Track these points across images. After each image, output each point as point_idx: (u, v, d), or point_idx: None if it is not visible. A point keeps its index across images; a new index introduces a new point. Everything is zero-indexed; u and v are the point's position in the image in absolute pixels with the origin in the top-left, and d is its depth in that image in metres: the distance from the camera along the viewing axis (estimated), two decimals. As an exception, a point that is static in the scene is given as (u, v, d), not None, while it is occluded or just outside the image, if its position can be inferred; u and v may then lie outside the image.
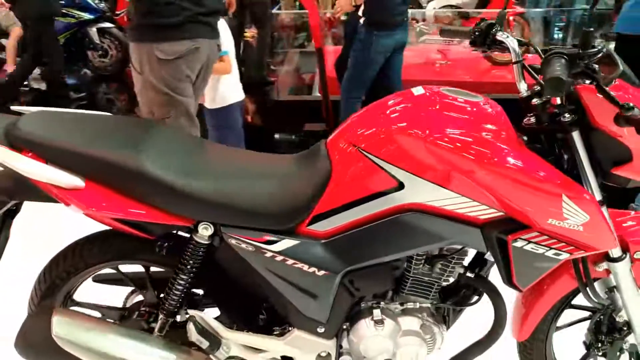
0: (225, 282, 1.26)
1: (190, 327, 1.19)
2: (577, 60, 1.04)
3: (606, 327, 1.38)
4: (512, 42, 1.24)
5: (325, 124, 4.23)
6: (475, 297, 1.34)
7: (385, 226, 1.14)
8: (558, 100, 1.09)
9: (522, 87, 1.24)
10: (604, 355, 1.41)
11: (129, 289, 1.39)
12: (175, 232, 1.22)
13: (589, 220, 1.10)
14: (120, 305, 1.42)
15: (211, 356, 1.23)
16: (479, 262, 1.30)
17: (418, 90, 1.18)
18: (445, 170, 1.08)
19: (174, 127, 1.77)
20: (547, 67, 1.00)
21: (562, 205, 1.08)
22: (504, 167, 1.07)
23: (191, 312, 1.21)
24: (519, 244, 1.13)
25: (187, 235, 1.21)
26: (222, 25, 2.69)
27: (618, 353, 1.40)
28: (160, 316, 1.26)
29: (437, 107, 1.13)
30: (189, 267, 1.20)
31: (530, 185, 1.08)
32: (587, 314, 1.46)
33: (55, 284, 1.30)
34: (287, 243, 1.15)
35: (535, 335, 1.41)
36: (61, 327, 1.16)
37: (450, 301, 1.33)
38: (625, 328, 1.36)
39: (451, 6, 5.85)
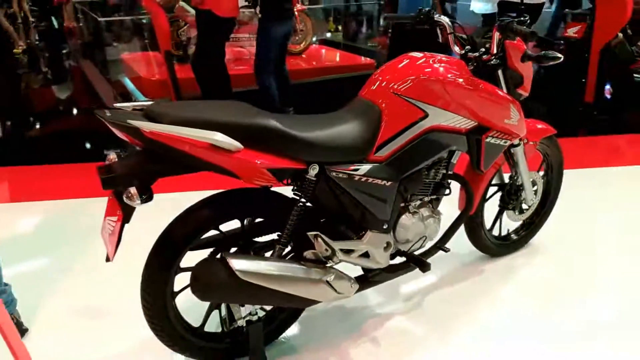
0: (319, 209, 1.68)
1: (319, 241, 1.57)
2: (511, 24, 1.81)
3: (513, 191, 2.27)
4: (445, 19, 1.97)
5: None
6: (447, 191, 2.03)
7: (419, 144, 1.74)
8: (495, 51, 1.86)
9: (456, 49, 1.99)
10: (513, 209, 2.30)
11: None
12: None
13: (519, 117, 1.92)
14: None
15: (329, 264, 1.65)
16: (448, 165, 2.01)
17: (418, 54, 1.80)
18: (450, 98, 1.73)
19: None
20: (518, 26, 1.75)
21: (510, 110, 1.87)
22: (481, 91, 1.79)
23: (313, 232, 1.59)
24: (488, 139, 1.88)
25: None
26: None
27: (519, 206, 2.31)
28: (278, 246, 1.60)
29: (434, 62, 1.77)
30: (303, 201, 1.58)
31: (495, 100, 1.83)
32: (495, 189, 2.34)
33: (177, 248, 1.51)
34: (366, 167, 1.64)
35: (477, 208, 2.21)
36: (240, 264, 1.42)
37: (436, 194, 2.00)
38: (521, 188, 2.26)
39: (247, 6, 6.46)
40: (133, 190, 1.31)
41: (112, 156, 1.43)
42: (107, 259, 1.47)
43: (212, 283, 1.44)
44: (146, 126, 1.28)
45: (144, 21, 6.04)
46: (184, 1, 5.79)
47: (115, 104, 1.44)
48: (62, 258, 2.46)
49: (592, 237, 2.62)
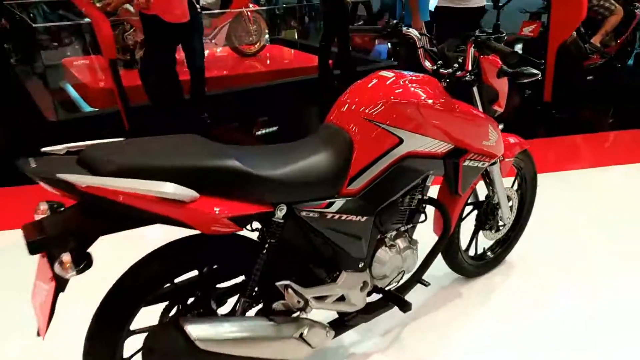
0: (288, 254, 1.49)
1: (290, 292, 1.40)
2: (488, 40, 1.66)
3: (490, 210, 2.15)
4: (414, 32, 1.82)
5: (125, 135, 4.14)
6: (423, 217, 1.89)
7: (393, 172, 1.58)
8: (470, 67, 1.72)
9: (427, 64, 1.84)
10: (489, 228, 2.18)
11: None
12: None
13: (497, 138, 1.80)
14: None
15: (301, 315, 1.46)
16: (423, 189, 1.86)
17: (388, 74, 1.63)
18: (426, 122, 1.58)
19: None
20: (497, 45, 1.60)
21: (488, 130, 1.74)
22: (458, 113, 1.65)
23: (283, 282, 1.41)
24: (466, 162, 1.74)
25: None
26: None
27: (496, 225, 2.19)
28: (243, 299, 1.41)
29: (406, 82, 1.61)
30: (268, 247, 1.39)
31: (473, 121, 1.69)
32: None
33: (127, 311, 1.30)
34: (339, 203, 1.47)
35: (454, 229, 2.08)
36: (198, 330, 1.22)
37: (411, 222, 1.85)
38: (497, 206, 2.15)
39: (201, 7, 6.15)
40: (66, 257, 1.08)
41: (44, 207, 1.20)
42: (38, 334, 1.23)
43: (167, 355, 1.23)
44: (81, 180, 1.06)
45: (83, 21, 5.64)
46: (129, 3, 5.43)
47: (43, 149, 1.21)
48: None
49: (566, 246, 2.56)
